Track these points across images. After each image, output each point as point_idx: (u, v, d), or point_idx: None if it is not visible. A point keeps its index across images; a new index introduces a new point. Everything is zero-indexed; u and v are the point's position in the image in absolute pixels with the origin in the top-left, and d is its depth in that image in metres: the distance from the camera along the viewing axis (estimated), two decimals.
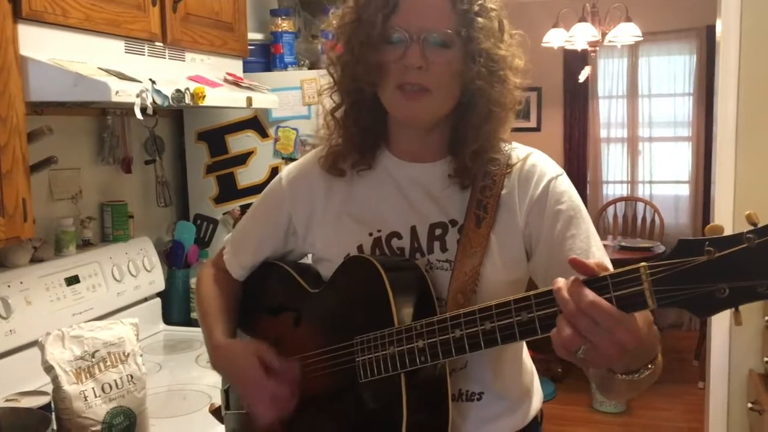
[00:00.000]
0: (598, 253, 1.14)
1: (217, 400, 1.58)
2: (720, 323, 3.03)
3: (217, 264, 1.41)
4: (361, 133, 1.21)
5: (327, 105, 1.24)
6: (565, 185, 1.18)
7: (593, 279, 0.87)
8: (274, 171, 2.50)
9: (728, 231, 2.84)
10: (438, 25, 1.10)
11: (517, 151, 1.21)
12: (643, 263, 0.84)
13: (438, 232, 1.17)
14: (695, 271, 0.80)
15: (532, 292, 0.94)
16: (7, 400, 1.51)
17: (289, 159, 2.49)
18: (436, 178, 1.20)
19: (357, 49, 1.14)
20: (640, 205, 5.88)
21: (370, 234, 1.19)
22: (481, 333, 0.97)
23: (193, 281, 2.44)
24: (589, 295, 0.85)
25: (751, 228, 0.79)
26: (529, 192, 1.17)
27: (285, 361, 1.18)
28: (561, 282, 0.88)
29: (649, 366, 0.98)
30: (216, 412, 1.40)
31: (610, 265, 1.12)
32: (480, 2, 1.12)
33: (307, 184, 1.27)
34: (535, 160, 1.20)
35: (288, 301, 1.28)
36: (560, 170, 1.20)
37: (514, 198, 1.17)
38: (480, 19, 1.11)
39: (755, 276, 0.77)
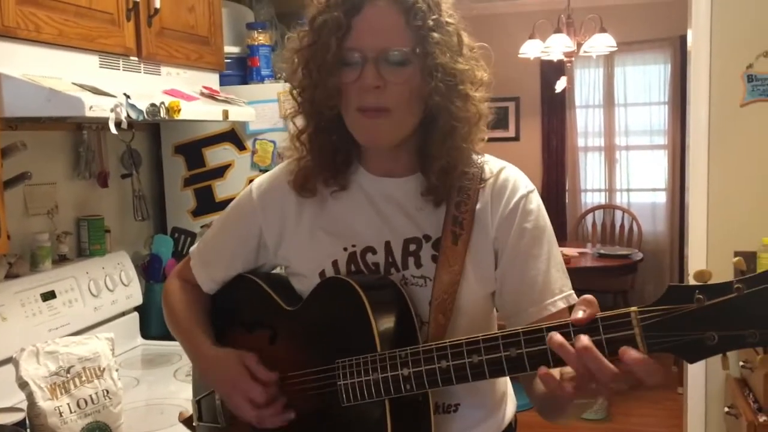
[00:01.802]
0: (556, 275, 1.16)
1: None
2: None
3: (183, 275, 1.37)
4: (330, 154, 1.20)
5: (291, 129, 1.23)
6: (535, 203, 1.19)
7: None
8: None
9: (701, 241, 2.88)
10: (393, 44, 1.08)
11: (490, 164, 1.21)
12: (633, 308, 0.87)
13: (412, 247, 1.17)
14: (685, 319, 0.83)
15: (520, 329, 0.95)
16: None
17: (267, 171, 2.50)
18: (410, 193, 1.20)
19: (315, 73, 1.13)
20: (618, 213, 5.94)
21: (345, 249, 1.19)
22: (468, 365, 0.98)
23: None
24: (597, 357, 0.87)
25: (740, 277, 0.81)
26: (501, 206, 1.17)
27: (265, 370, 1.17)
28: (558, 336, 0.90)
29: None
30: (187, 422, 1.40)
31: (569, 285, 1.17)
32: (434, 17, 1.09)
33: (279, 198, 1.25)
34: (507, 175, 1.20)
35: (263, 317, 1.26)
36: (532, 186, 1.21)
37: (487, 213, 1.17)
38: (435, 34, 1.09)
39: (744, 325, 0.80)
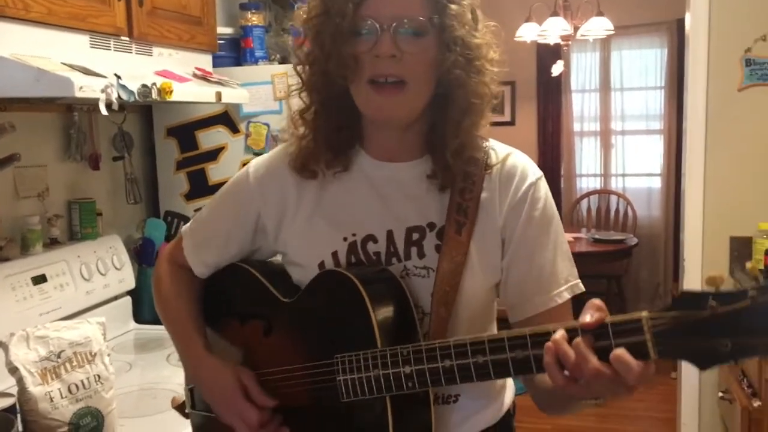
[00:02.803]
0: (562, 264, 1.14)
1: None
2: None
3: (174, 258, 1.32)
4: (333, 132, 1.16)
5: (295, 105, 1.18)
6: (544, 190, 1.16)
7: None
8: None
9: (697, 226, 2.86)
10: (409, 12, 1.05)
11: (496, 150, 1.18)
12: (644, 313, 0.85)
13: (415, 236, 1.14)
14: (698, 325, 0.81)
15: (527, 330, 0.93)
16: None
17: (261, 154, 2.48)
18: (414, 178, 1.16)
19: (327, 42, 1.08)
20: (614, 198, 5.94)
21: (345, 239, 1.15)
22: (473, 366, 0.96)
23: None
24: (593, 361, 0.86)
25: (755, 284, 0.80)
26: (509, 194, 1.14)
27: (263, 394, 1.15)
28: (559, 335, 0.89)
29: None
30: (179, 408, 1.38)
31: (575, 274, 1.15)
32: None
33: (278, 183, 1.21)
34: (515, 161, 1.17)
35: (257, 308, 1.22)
36: (540, 173, 1.18)
37: (494, 200, 1.14)
38: (453, 6, 1.07)
39: (759, 333, 0.78)
